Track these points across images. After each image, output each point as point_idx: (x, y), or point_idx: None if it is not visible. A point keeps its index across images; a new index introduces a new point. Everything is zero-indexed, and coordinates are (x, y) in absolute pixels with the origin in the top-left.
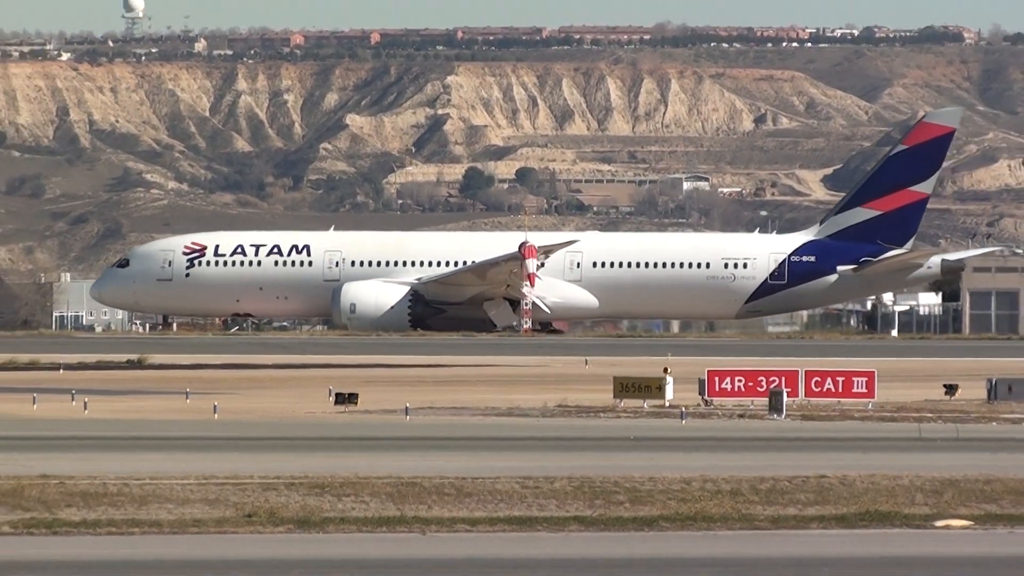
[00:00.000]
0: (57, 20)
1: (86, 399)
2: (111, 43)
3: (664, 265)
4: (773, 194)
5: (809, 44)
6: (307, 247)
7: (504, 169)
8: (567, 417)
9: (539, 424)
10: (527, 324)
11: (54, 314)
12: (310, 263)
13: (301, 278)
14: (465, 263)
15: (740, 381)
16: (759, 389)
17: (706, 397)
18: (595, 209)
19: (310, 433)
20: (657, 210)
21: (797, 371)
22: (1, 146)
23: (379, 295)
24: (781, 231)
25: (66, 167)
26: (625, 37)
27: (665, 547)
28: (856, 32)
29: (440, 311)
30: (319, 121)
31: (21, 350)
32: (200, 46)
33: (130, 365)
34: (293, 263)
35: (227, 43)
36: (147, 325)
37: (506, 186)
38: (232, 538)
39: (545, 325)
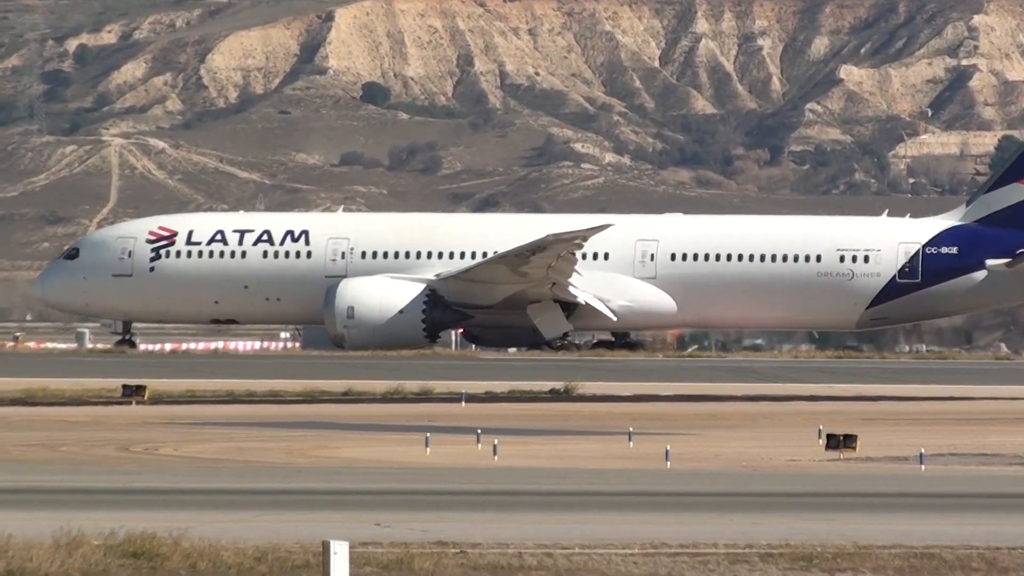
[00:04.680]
0: None
1: (496, 440)
2: None
3: (762, 258)
4: None
5: None
6: (305, 233)
7: None
8: None
9: None
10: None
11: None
12: (309, 254)
13: (297, 273)
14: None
15: None
16: None
17: None
18: None
19: (793, 487)
20: None
21: None
22: (383, 105)
23: (385, 295)
24: None
25: (469, 133)
26: None
27: None
28: None
29: (464, 317)
30: (804, 74)
31: (411, 375)
32: None
33: (552, 396)
34: (287, 254)
35: None
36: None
37: None
38: None
39: (620, 337)
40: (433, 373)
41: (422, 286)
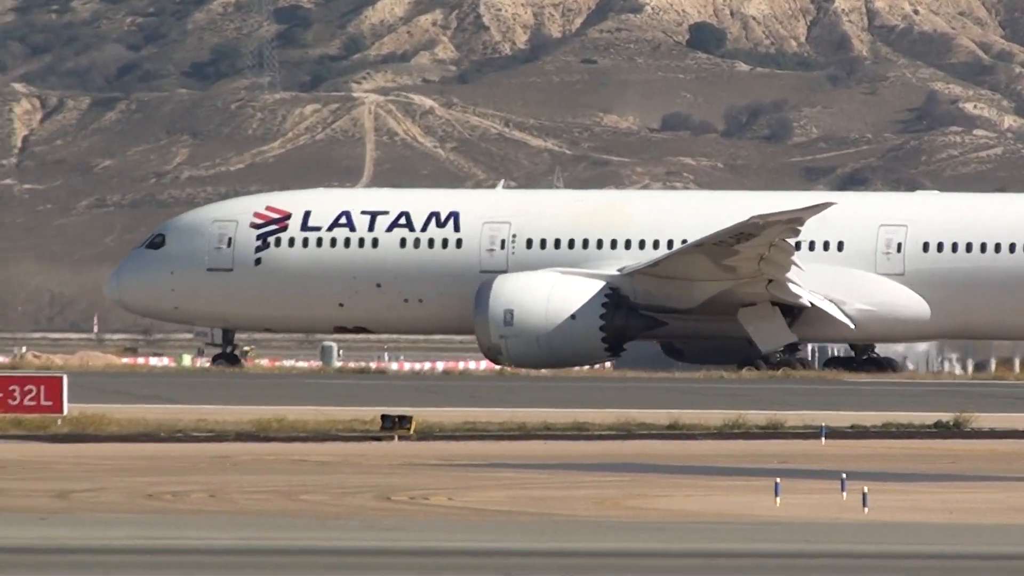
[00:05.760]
0: None
1: (865, 488)
2: None
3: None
4: None
5: None
6: (454, 216)
7: None
8: None
9: None
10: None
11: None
12: (459, 243)
13: (444, 268)
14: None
15: None
16: None
17: None
18: None
19: None
20: None
21: None
22: (717, 53)
23: (553, 295)
24: None
25: (828, 90)
26: None
27: None
28: None
29: (655, 323)
30: None
31: (754, 403)
32: None
33: (937, 430)
34: (431, 243)
35: None
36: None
37: None
38: None
39: (862, 351)
40: (782, 400)
41: (601, 284)
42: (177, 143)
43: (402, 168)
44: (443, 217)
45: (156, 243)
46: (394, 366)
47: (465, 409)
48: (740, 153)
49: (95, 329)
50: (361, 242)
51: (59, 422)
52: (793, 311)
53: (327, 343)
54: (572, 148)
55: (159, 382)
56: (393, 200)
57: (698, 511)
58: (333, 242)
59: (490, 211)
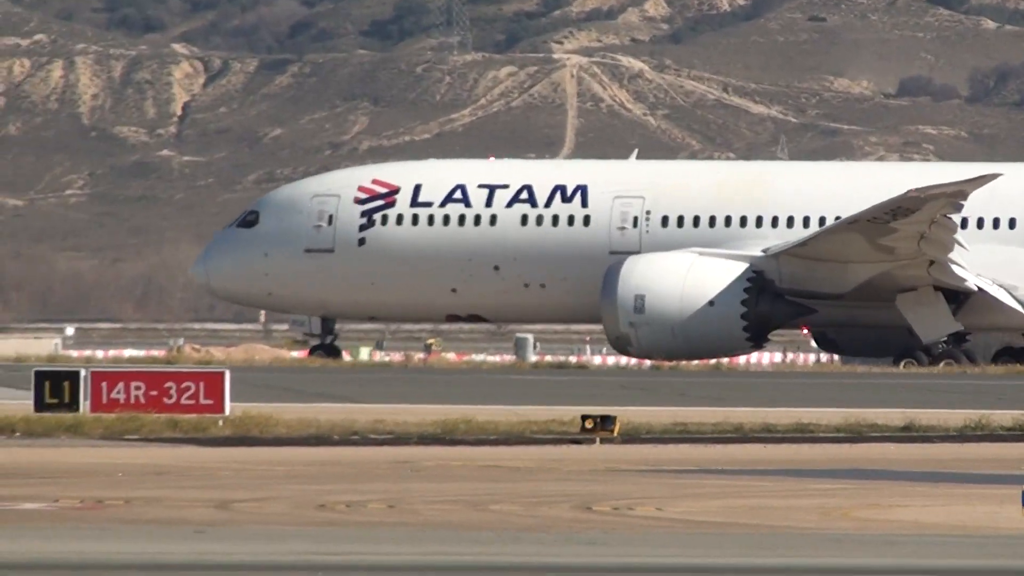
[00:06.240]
0: None
1: None
2: None
3: None
4: None
5: None
6: (582, 190)
7: None
8: None
9: None
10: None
11: None
12: (586, 220)
13: (569, 248)
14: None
15: None
16: None
17: None
18: None
19: None
20: None
21: None
22: (960, 9)
23: (690, 278)
24: None
25: None
26: None
27: None
28: None
29: (803, 311)
30: None
31: (999, 400)
32: None
33: None
34: (555, 220)
35: None
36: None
37: None
38: None
39: None
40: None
41: (743, 266)
42: (355, 110)
43: (607, 138)
44: (569, 191)
45: (249, 221)
46: (596, 360)
47: (675, 408)
48: (986, 122)
49: (262, 319)
50: (477, 219)
51: (220, 423)
52: (958, 297)
53: (520, 335)
54: (798, 116)
55: (332, 378)
56: (513, 172)
57: (936, 523)
58: (446, 220)
59: (622, 184)
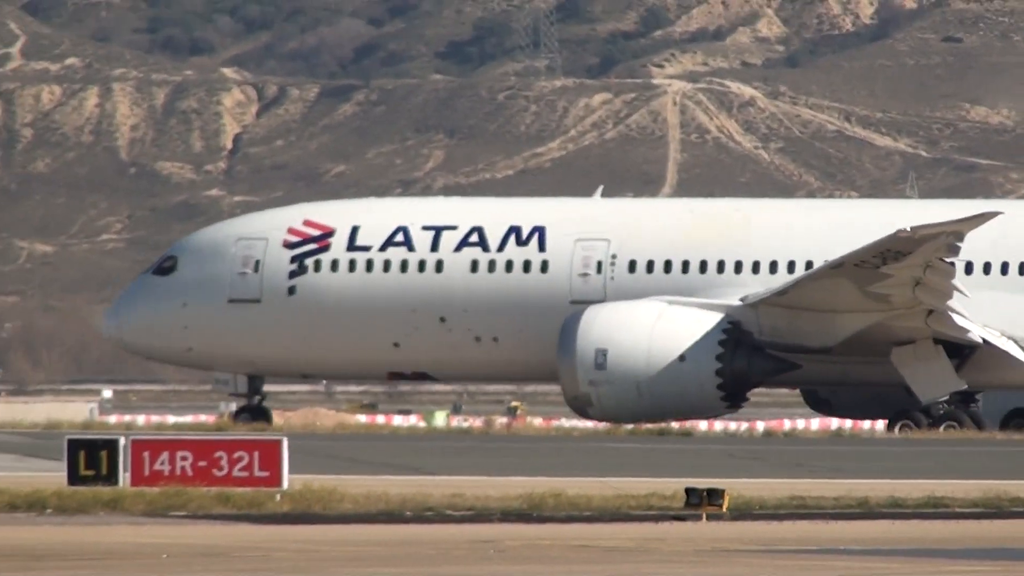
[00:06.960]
0: None
1: None
2: None
3: None
4: None
5: None
6: (539, 232)
7: None
8: None
9: None
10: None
11: None
12: (544, 266)
13: (525, 297)
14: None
15: None
16: None
17: None
18: None
19: None
20: None
21: None
22: None
23: (657, 330)
24: None
25: None
26: None
27: None
28: None
29: (785, 366)
30: None
31: None
32: None
33: None
34: (509, 265)
35: None
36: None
37: None
38: None
39: None
40: None
41: (718, 316)
42: (429, 143)
43: (713, 175)
44: (525, 233)
45: (166, 268)
46: (701, 426)
47: (791, 480)
48: None
49: (324, 380)
50: (422, 265)
51: (278, 498)
52: (961, 351)
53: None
54: (930, 149)
55: (404, 446)
56: (462, 212)
57: None
58: (387, 265)
59: (584, 225)
